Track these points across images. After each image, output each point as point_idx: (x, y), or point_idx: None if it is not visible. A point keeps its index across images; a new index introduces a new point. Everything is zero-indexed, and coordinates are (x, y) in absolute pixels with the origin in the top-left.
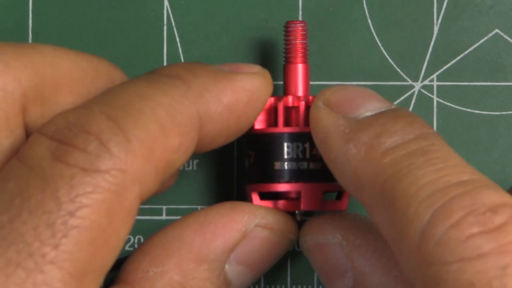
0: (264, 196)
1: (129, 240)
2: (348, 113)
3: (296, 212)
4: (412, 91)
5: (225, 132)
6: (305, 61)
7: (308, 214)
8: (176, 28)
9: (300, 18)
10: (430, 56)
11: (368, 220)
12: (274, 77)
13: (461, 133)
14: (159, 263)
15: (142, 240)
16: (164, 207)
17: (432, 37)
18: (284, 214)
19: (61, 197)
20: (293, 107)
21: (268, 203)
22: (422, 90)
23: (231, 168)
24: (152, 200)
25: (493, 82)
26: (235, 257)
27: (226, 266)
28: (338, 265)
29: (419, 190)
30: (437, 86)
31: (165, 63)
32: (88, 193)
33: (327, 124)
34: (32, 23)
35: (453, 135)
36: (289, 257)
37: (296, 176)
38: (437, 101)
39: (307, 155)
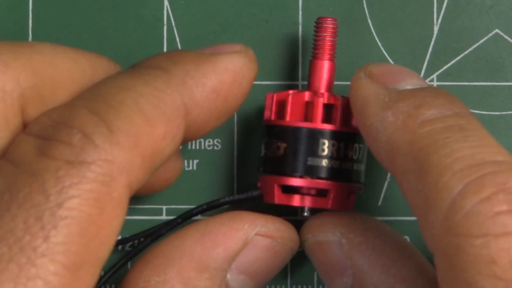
0: (284, 189)
1: (130, 240)
2: (389, 84)
3: (305, 208)
4: None
5: (214, 115)
6: (332, 59)
7: (313, 212)
8: (176, 28)
9: (300, 18)
10: (430, 56)
11: (367, 218)
12: (274, 77)
13: None
14: (160, 272)
15: (141, 240)
16: (164, 207)
17: (432, 37)
18: (285, 223)
19: (48, 189)
20: (329, 104)
21: (287, 198)
22: None
23: (231, 168)
24: (152, 200)
25: (493, 82)
26: (236, 266)
27: (228, 275)
28: (338, 263)
29: (453, 162)
30: (437, 86)
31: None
32: (75, 184)
33: (366, 93)
34: (32, 23)
35: None
36: None
37: (325, 173)
38: None
39: (341, 154)
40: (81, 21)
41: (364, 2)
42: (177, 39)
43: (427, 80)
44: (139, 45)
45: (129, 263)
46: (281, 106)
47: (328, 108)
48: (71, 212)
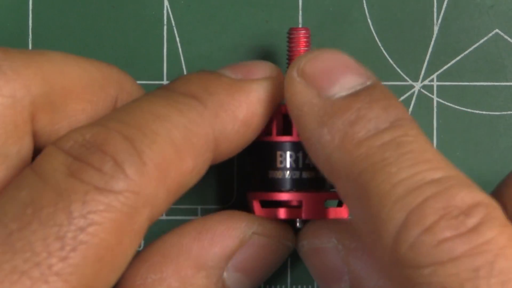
0: (265, 204)
1: None
2: (323, 89)
3: (297, 220)
4: (412, 91)
5: (240, 146)
6: None
7: (308, 221)
8: (176, 28)
9: (300, 18)
10: (430, 56)
11: None
12: None
13: (461, 133)
14: (157, 270)
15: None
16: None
17: (432, 37)
18: (281, 222)
19: (74, 212)
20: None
21: (268, 212)
22: (422, 90)
23: (231, 169)
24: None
25: (493, 82)
26: (233, 264)
27: (224, 273)
28: (335, 269)
29: (393, 189)
30: (437, 86)
31: (165, 63)
32: (100, 211)
33: (301, 101)
34: (32, 23)
35: (453, 135)
36: (289, 257)
37: (296, 185)
38: (437, 101)
39: (300, 165)
40: (81, 21)
41: (364, 2)
42: (177, 39)
43: (427, 80)
44: (139, 45)
45: None
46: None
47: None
48: (92, 238)
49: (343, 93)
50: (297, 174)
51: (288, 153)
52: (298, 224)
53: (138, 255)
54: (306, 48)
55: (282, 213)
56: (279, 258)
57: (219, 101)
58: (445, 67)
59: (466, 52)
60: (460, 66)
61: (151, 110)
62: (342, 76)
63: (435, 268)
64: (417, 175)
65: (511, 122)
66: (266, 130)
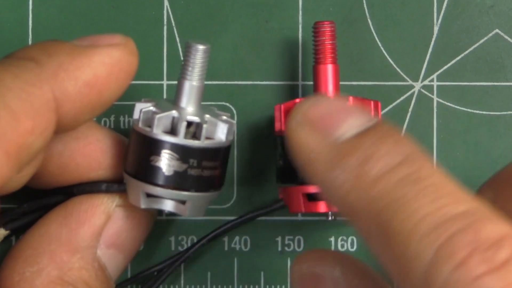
0: (309, 197)
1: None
2: (329, 133)
3: (329, 212)
4: (412, 91)
5: (87, 108)
6: (334, 62)
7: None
8: (176, 28)
9: (300, 18)
10: (430, 56)
11: (366, 265)
12: (275, 77)
13: (461, 133)
14: (33, 262)
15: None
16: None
17: (432, 37)
18: None
19: None
20: None
21: (311, 206)
22: (422, 90)
23: (231, 168)
24: None
25: (493, 82)
26: (104, 241)
27: (98, 251)
28: None
29: (417, 226)
30: (437, 86)
31: (165, 63)
32: None
33: (307, 149)
34: (32, 23)
35: (453, 135)
36: (289, 258)
37: None
38: (437, 101)
39: None
40: (81, 21)
41: (364, 2)
42: (177, 39)
43: (427, 80)
44: (139, 45)
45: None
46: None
47: None
48: None
49: (350, 133)
50: None
51: None
52: (330, 217)
53: (9, 254)
54: (332, 41)
55: (323, 207)
56: (146, 227)
57: (58, 62)
58: (445, 67)
59: (466, 52)
60: (460, 66)
61: None
62: (346, 117)
63: None
64: (440, 209)
65: (511, 122)
66: None
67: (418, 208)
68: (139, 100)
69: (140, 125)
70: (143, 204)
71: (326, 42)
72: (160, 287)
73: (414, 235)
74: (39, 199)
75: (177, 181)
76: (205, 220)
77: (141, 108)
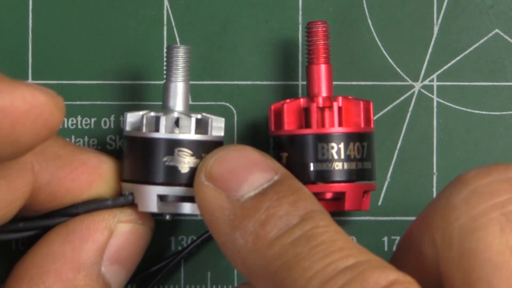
0: None
1: None
2: (232, 191)
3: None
4: (412, 91)
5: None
6: (327, 62)
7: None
8: (176, 28)
9: (300, 18)
10: (430, 56)
11: None
12: (274, 77)
13: (461, 133)
14: (39, 281)
15: None
16: None
17: (432, 37)
18: (135, 207)
19: None
20: (324, 107)
21: None
22: (422, 90)
23: None
24: None
25: (493, 82)
26: (107, 257)
27: (102, 268)
28: None
29: (309, 283)
30: (437, 86)
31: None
32: None
33: (212, 206)
34: (32, 23)
35: (453, 135)
36: None
37: (335, 176)
38: (437, 101)
39: (342, 156)
40: (81, 21)
41: (364, 2)
42: (177, 39)
43: (427, 80)
44: (139, 45)
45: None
46: (279, 116)
47: (323, 111)
48: None
49: (252, 193)
50: (339, 165)
51: (331, 145)
52: None
53: (12, 274)
54: (325, 42)
55: (323, 206)
56: (146, 242)
57: None
58: (445, 67)
59: (466, 52)
60: (460, 66)
61: None
62: (249, 174)
63: None
64: (330, 265)
65: (511, 122)
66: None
67: (310, 266)
68: (128, 111)
69: (144, 130)
70: (158, 208)
71: (318, 42)
72: (160, 287)
73: None
74: (37, 219)
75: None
76: None
77: (134, 116)
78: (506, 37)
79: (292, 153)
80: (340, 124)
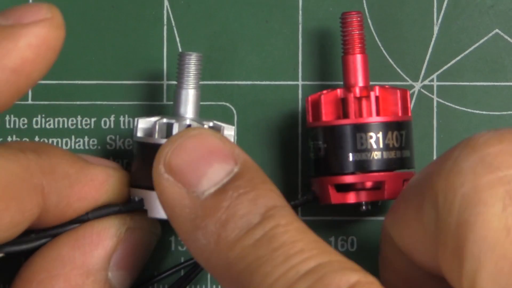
0: (339, 188)
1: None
2: (191, 186)
3: (363, 202)
4: (412, 91)
5: (15, 94)
6: (363, 52)
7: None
8: (176, 28)
9: (300, 18)
10: (430, 56)
11: None
12: (274, 77)
13: (461, 133)
14: (48, 286)
15: None
16: None
17: (432, 37)
18: (145, 214)
19: None
20: (361, 97)
21: (344, 196)
22: (422, 90)
23: None
24: None
25: (493, 82)
26: (115, 263)
27: (109, 273)
28: None
29: None
30: (437, 86)
31: (165, 63)
32: None
33: (172, 202)
34: None
35: (453, 135)
36: None
37: (374, 165)
38: (437, 101)
39: (382, 144)
40: (81, 21)
41: (364, 2)
42: (177, 39)
43: (427, 80)
44: (139, 45)
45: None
46: (316, 108)
47: (361, 101)
48: None
49: (212, 189)
50: (378, 154)
51: (369, 134)
52: (364, 207)
53: (19, 277)
54: (360, 32)
55: (363, 196)
56: (151, 248)
57: None
58: (445, 67)
59: (466, 52)
60: (460, 66)
61: None
62: (208, 167)
63: None
64: (291, 270)
65: (511, 122)
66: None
67: (271, 271)
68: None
69: (156, 136)
70: None
71: (353, 33)
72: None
73: None
74: (47, 230)
75: None
76: None
77: (146, 122)
78: (506, 37)
79: (331, 144)
80: (378, 114)
